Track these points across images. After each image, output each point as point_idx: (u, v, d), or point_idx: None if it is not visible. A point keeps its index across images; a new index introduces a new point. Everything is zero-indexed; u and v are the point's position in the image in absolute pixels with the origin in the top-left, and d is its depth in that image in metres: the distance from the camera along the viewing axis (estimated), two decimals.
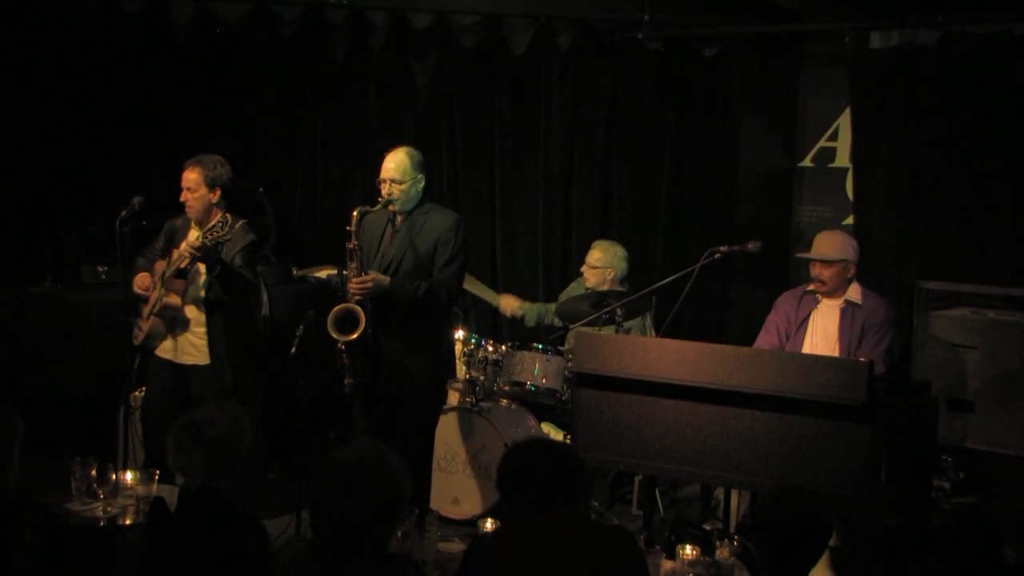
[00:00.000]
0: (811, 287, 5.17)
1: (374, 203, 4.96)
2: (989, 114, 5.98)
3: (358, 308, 4.83)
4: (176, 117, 6.87)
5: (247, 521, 3.22)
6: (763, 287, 6.44)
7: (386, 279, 4.86)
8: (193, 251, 4.87)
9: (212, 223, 4.99)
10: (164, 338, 5.14)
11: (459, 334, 5.78)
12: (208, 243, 4.86)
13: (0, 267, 6.23)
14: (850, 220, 6.56)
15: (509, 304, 6.34)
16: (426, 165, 5.05)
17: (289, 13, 6.87)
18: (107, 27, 6.70)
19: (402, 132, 6.90)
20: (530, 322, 6.27)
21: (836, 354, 5.02)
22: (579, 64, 6.89)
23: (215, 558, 3.10)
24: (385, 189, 4.93)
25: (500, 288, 6.83)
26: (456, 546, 5.05)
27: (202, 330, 5.10)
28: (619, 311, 5.36)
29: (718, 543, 4.44)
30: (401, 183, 4.91)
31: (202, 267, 5.03)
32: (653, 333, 5.85)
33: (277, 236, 6.89)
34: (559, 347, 5.73)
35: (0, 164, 6.29)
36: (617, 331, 5.41)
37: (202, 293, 5.09)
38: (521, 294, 6.54)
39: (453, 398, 5.68)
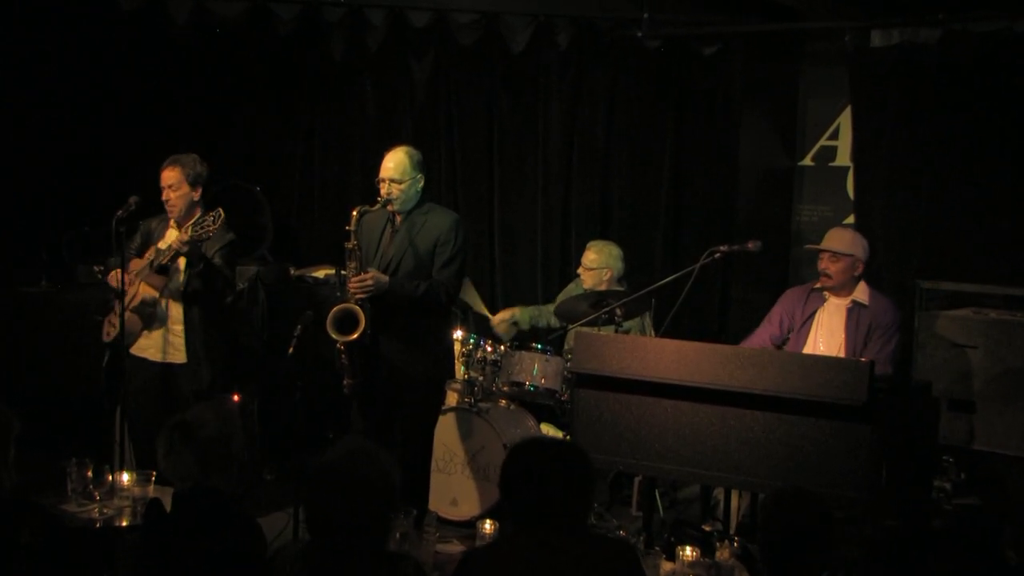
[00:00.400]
0: (818, 284, 5.15)
1: (373, 203, 4.94)
2: (990, 113, 5.97)
3: (358, 308, 4.81)
4: (173, 116, 6.86)
5: (242, 521, 3.20)
6: (763, 287, 6.42)
7: (385, 279, 4.84)
8: (182, 244, 4.87)
9: (196, 217, 5.00)
10: (139, 336, 5.12)
11: (458, 334, 5.76)
12: (198, 235, 4.85)
13: None
14: (851, 219, 6.54)
15: (501, 318, 6.24)
16: (425, 164, 5.03)
17: (287, 11, 6.85)
18: (104, 26, 6.68)
19: (400, 131, 6.88)
20: (524, 325, 6.24)
21: (841, 353, 5.00)
22: (578, 63, 6.87)
23: (211, 559, 3.08)
24: (384, 189, 4.91)
25: (499, 291, 6.83)
26: (455, 547, 5.04)
27: (180, 327, 5.09)
28: (618, 311, 5.34)
29: (718, 544, 4.43)
30: (400, 183, 4.89)
31: (181, 263, 5.02)
32: (653, 333, 5.83)
33: (274, 236, 6.88)
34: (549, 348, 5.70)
35: None
36: (616, 331, 5.39)
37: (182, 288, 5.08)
38: (520, 294, 6.53)
39: (452, 398, 5.67)
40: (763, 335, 5.27)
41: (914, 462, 4.66)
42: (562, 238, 6.98)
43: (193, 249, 4.89)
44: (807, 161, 6.88)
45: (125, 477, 4.36)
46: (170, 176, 5.11)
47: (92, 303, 5.91)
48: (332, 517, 2.76)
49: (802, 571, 3.03)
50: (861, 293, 5.10)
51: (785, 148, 6.82)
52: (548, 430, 5.87)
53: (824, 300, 5.16)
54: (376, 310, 4.85)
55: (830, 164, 6.81)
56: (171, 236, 5.10)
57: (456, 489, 5.52)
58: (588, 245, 6.08)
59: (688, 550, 4.33)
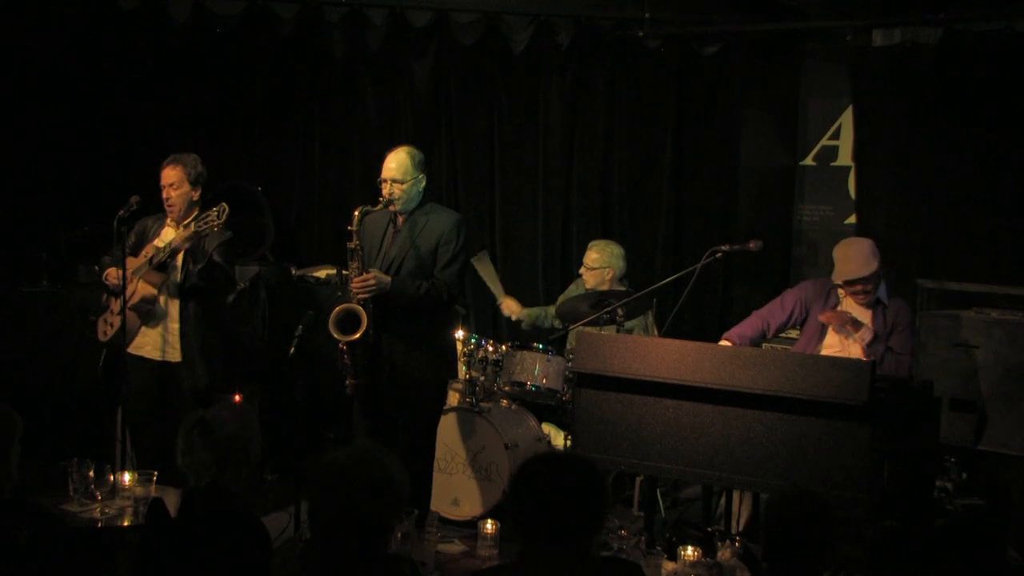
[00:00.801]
0: (855, 300, 5.12)
1: (375, 203, 4.93)
2: (991, 112, 5.97)
3: (360, 308, 4.81)
4: (172, 116, 6.85)
5: (252, 523, 3.19)
6: (764, 287, 6.41)
7: (387, 278, 4.84)
8: (184, 239, 4.86)
9: (195, 213, 4.99)
10: (137, 334, 5.11)
11: (459, 334, 5.76)
12: (201, 229, 4.85)
13: None
14: (852, 219, 6.54)
15: (510, 306, 6.28)
16: (427, 164, 5.03)
17: (287, 11, 6.84)
18: (103, 26, 6.67)
19: (400, 131, 6.87)
20: (526, 326, 6.24)
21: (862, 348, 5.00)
22: (578, 63, 6.86)
23: (217, 560, 3.07)
24: (386, 189, 4.91)
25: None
26: (456, 547, 5.04)
27: (176, 326, 5.09)
28: (620, 311, 5.34)
29: (719, 544, 4.42)
30: (402, 183, 4.89)
31: (179, 262, 5.02)
32: (655, 332, 5.82)
33: (275, 236, 6.87)
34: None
35: None
36: (618, 331, 5.38)
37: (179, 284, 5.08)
38: (520, 293, 6.51)
39: (453, 398, 5.66)
40: (772, 313, 5.22)
41: (915, 462, 4.65)
42: (563, 238, 6.97)
43: (195, 244, 4.89)
44: (808, 161, 6.87)
45: (126, 477, 4.35)
46: (171, 175, 5.11)
47: (92, 303, 5.92)
48: (336, 517, 2.75)
49: (803, 571, 3.03)
50: (881, 292, 5.11)
51: (786, 147, 6.81)
52: (549, 430, 5.87)
53: (841, 298, 5.14)
54: (378, 310, 4.85)
55: (831, 164, 6.80)
56: (168, 234, 5.09)
57: (457, 489, 5.52)
58: (590, 245, 6.08)
59: (689, 550, 4.33)
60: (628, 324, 5.51)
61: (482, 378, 5.67)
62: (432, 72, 6.98)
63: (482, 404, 5.58)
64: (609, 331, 5.43)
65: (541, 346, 5.68)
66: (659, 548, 4.71)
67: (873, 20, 6.26)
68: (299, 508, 4.71)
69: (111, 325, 5.14)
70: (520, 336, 6.27)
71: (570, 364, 5.33)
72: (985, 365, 5.24)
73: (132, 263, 5.09)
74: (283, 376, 5.17)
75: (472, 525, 5.16)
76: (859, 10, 6.28)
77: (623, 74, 6.87)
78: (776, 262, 6.63)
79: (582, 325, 5.45)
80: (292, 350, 4.81)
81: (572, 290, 6.15)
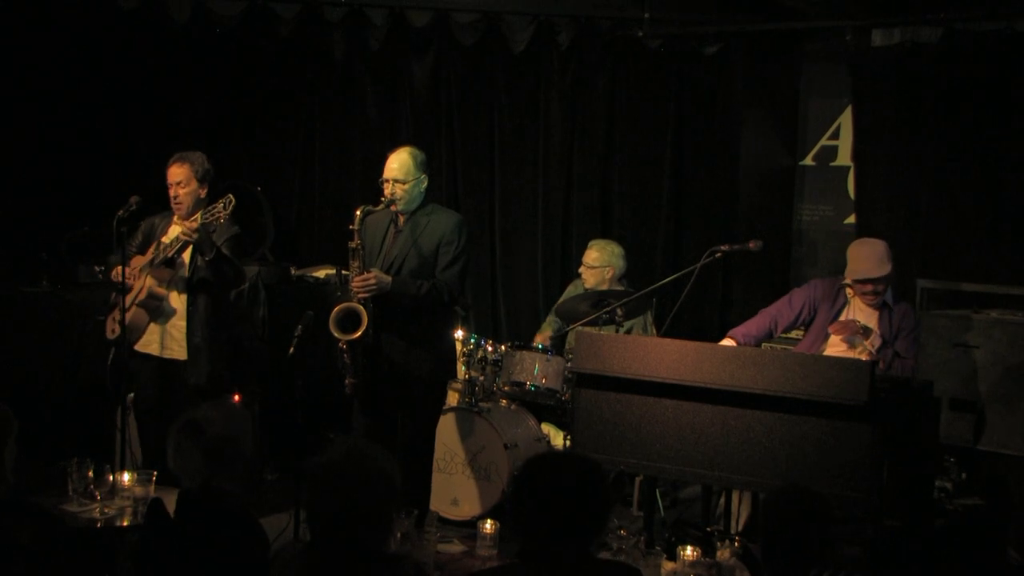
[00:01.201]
0: (863, 300, 5.10)
1: (376, 202, 4.93)
2: (991, 112, 5.97)
3: (360, 307, 4.80)
4: (173, 116, 6.85)
5: (246, 522, 3.19)
6: (763, 287, 6.42)
7: (388, 278, 4.84)
8: (192, 231, 4.84)
9: (206, 206, 4.98)
10: (143, 332, 5.11)
11: (459, 334, 5.76)
12: (209, 221, 4.84)
13: None
14: (852, 219, 6.54)
15: (546, 335, 6.12)
16: (428, 164, 5.03)
17: (287, 11, 6.85)
18: (103, 25, 6.67)
19: (400, 131, 6.88)
20: (554, 341, 6.12)
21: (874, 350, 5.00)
22: (579, 62, 6.87)
23: (213, 559, 3.07)
24: (388, 189, 4.90)
25: (499, 291, 6.82)
26: (455, 547, 5.03)
27: (182, 323, 5.08)
28: (619, 310, 5.34)
29: (719, 544, 4.42)
30: (404, 183, 4.88)
31: (186, 258, 5.00)
32: (655, 332, 5.82)
33: (275, 235, 6.87)
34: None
35: None
36: (617, 331, 5.38)
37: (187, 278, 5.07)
38: (521, 293, 6.52)
39: (452, 398, 5.66)
40: (780, 311, 5.19)
41: (915, 462, 4.65)
42: (563, 238, 6.98)
43: (203, 236, 4.86)
44: (808, 161, 6.87)
45: (126, 477, 4.35)
46: (179, 173, 5.08)
47: (94, 303, 5.92)
48: (333, 517, 2.75)
49: (803, 571, 3.03)
50: (888, 295, 5.11)
51: (786, 147, 6.82)
52: (549, 430, 5.87)
53: (849, 299, 5.13)
54: (378, 309, 4.85)
55: (831, 163, 6.81)
56: (176, 232, 5.07)
57: (457, 489, 5.52)
58: (590, 244, 6.08)
59: (689, 550, 4.32)
60: (628, 324, 5.51)
61: (481, 378, 5.67)
62: (432, 72, 6.98)
63: (481, 404, 5.58)
64: (609, 331, 5.42)
65: (540, 346, 5.68)
66: (658, 548, 4.70)
67: (873, 20, 6.27)
68: (299, 508, 4.71)
69: (119, 324, 5.14)
70: (520, 336, 6.26)
71: (569, 364, 5.33)
72: (985, 365, 5.24)
73: (140, 260, 5.09)
74: (283, 376, 5.16)
75: (472, 525, 5.16)
76: (859, 10, 6.28)
77: (623, 74, 6.87)
78: (776, 262, 6.63)
79: (581, 325, 5.45)
80: (292, 350, 4.81)
81: (571, 290, 6.14)
